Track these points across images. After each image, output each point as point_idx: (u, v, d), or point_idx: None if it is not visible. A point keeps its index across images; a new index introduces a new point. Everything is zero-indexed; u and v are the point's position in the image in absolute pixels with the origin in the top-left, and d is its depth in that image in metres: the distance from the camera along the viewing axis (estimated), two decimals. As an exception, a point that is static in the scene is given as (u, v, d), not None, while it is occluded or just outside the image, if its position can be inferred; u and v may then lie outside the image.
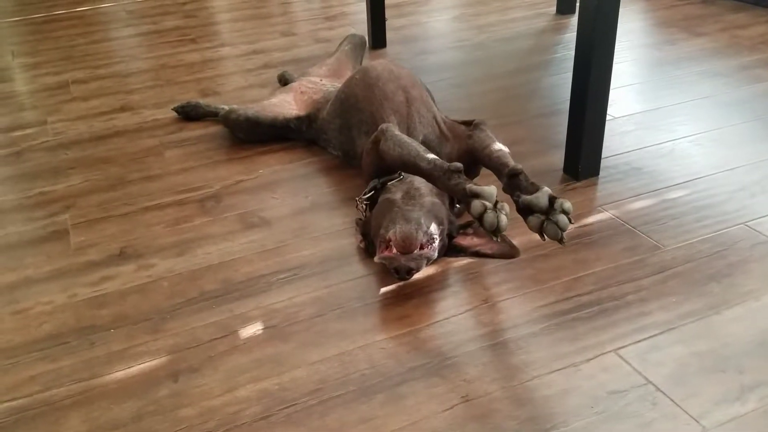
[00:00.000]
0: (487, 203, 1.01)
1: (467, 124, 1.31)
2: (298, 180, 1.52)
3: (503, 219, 1.00)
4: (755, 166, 1.45)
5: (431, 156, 1.13)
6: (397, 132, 1.23)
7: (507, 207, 1.02)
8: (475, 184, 1.04)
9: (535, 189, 1.04)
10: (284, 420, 0.93)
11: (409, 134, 1.34)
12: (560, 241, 1.01)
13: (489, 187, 1.02)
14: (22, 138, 1.79)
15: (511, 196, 1.07)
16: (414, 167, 1.16)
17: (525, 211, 1.04)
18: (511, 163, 1.13)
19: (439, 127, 1.36)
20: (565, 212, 1.01)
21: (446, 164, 1.09)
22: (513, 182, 1.08)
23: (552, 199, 1.02)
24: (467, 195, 1.03)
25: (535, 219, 1.03)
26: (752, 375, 0.95)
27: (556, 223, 1.00)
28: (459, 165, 1.08)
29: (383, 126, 1.26)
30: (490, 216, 1.00)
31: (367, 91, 1.43)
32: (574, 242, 1.24)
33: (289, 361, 1.02)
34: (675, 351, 1.00)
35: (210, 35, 2.54)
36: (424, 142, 1.33)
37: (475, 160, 1.26)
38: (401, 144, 1.19)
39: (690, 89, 1.82)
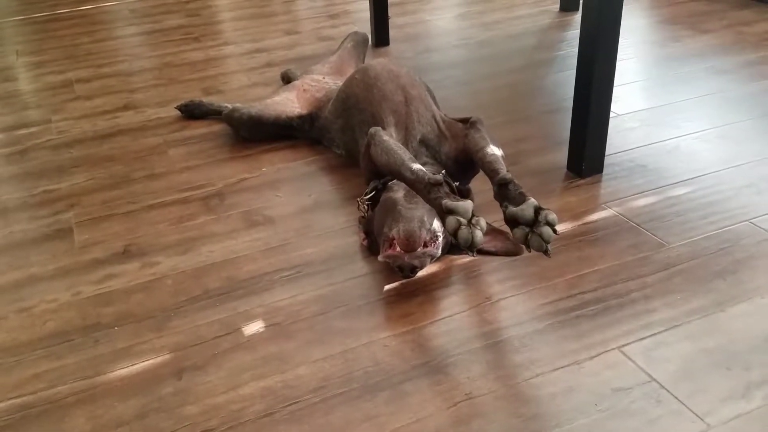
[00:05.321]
0: (461, 219, 1.01)
1: (464, 121, 1.31)
2: (302, 178, 1.52)
3: (478, 235, 1.00)
4: (761, 162, 1.44)
5: (416, 166, 1.13)
6: (385, 137, 1.23)
7: (483, 222, 1.02)
8: (454, 199, 1.04)
9: (522, 200, 1.04)
10: (288, 417, 0.93)
11: (408, 134, 1.33)
12: (545, 252, 1.01)
13: (464, 203, 1.02)
14: (27, 137, 1.79)
15: (500, 205, 1.07)
16: (399, 175, 1.16)
17: (511, 222, 1.04)
18: (502, 171, 1.12)
19: (438, 126, 1.36)
20: (549, 224, 1.01)
21: (427, 176, 1.09)
22: (502, 192, 1.08)
23: (537, 211, 1.02)
24: (443, 211, 1.03)
25: (520, 231, 1.03)
26: (758, 372, 0.95)
27: (540, 236, 1.01)
28: (439, 178, 1.08)
29: (372, 130, 1.25)
30: (464, 232, 1.00)
31: (367, 92, 1.42)
32: (578, 240, 1.24)
33: (292, 358, 1.02)
34: (680, 348, 0.99)
35: (213, 34, 2.54)
36: (422, 141, 1.33)
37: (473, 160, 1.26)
38: (388, 151, 1.19)
39: (695, 86, 1.82)
